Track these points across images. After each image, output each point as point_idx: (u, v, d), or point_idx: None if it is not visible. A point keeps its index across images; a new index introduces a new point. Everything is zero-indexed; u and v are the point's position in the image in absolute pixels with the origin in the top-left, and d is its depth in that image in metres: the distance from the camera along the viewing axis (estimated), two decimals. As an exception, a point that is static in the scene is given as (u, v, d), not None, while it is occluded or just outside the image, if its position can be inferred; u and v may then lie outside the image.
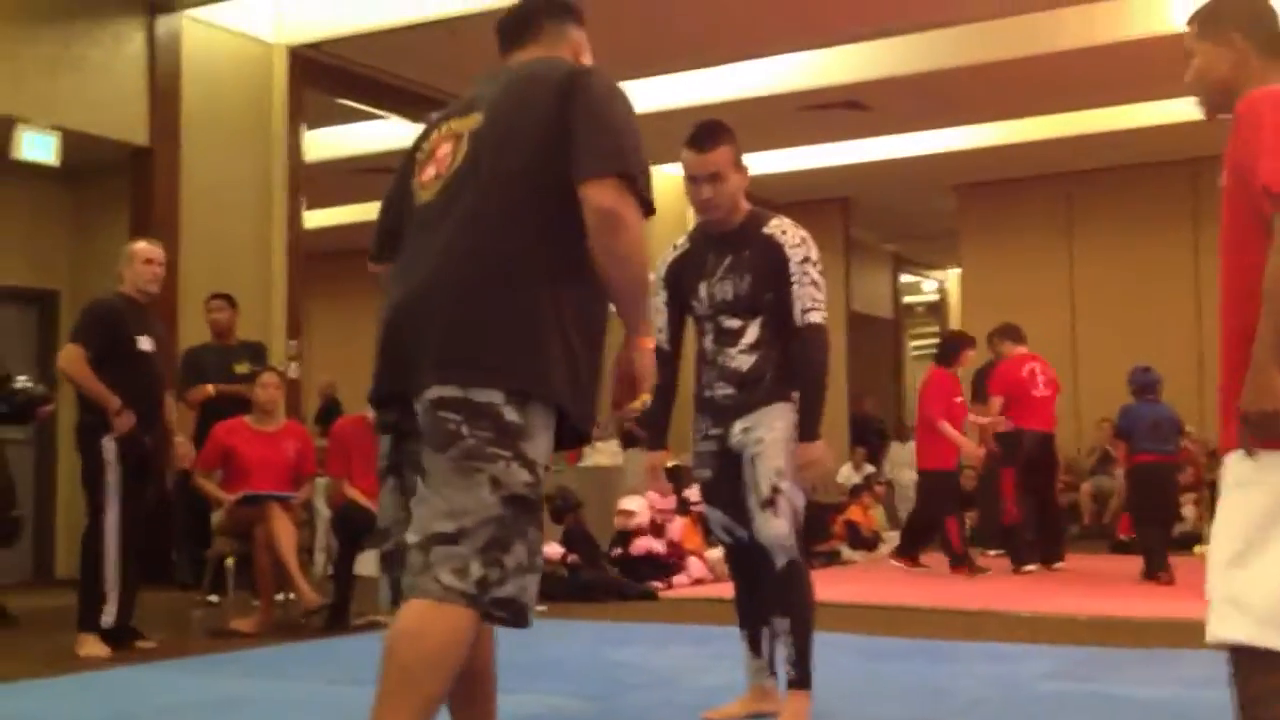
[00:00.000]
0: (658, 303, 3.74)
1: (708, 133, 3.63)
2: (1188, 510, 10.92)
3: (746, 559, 3.67)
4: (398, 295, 2.39)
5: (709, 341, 3.64)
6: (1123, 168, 12.91)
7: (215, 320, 7.49)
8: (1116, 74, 9.92)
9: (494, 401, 2.24)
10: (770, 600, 3.53)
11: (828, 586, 7.75)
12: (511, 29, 2.64)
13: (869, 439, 13.52)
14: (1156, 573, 8.06)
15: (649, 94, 10.31)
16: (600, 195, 2.27)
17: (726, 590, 7.32)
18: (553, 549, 7.58)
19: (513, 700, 3.99)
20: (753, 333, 3.57)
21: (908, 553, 9.04)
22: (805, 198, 14.29)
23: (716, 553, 8.31)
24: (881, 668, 4.78)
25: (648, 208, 2.34)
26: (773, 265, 3.55)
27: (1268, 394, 2.29)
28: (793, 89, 10.31)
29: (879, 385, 15.47)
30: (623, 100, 2.42)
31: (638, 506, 8.01)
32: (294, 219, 9.02)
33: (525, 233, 2.33)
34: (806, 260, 3.55)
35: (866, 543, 10.21)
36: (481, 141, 2.41)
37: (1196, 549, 10.21)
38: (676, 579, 7.80)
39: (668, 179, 12.93)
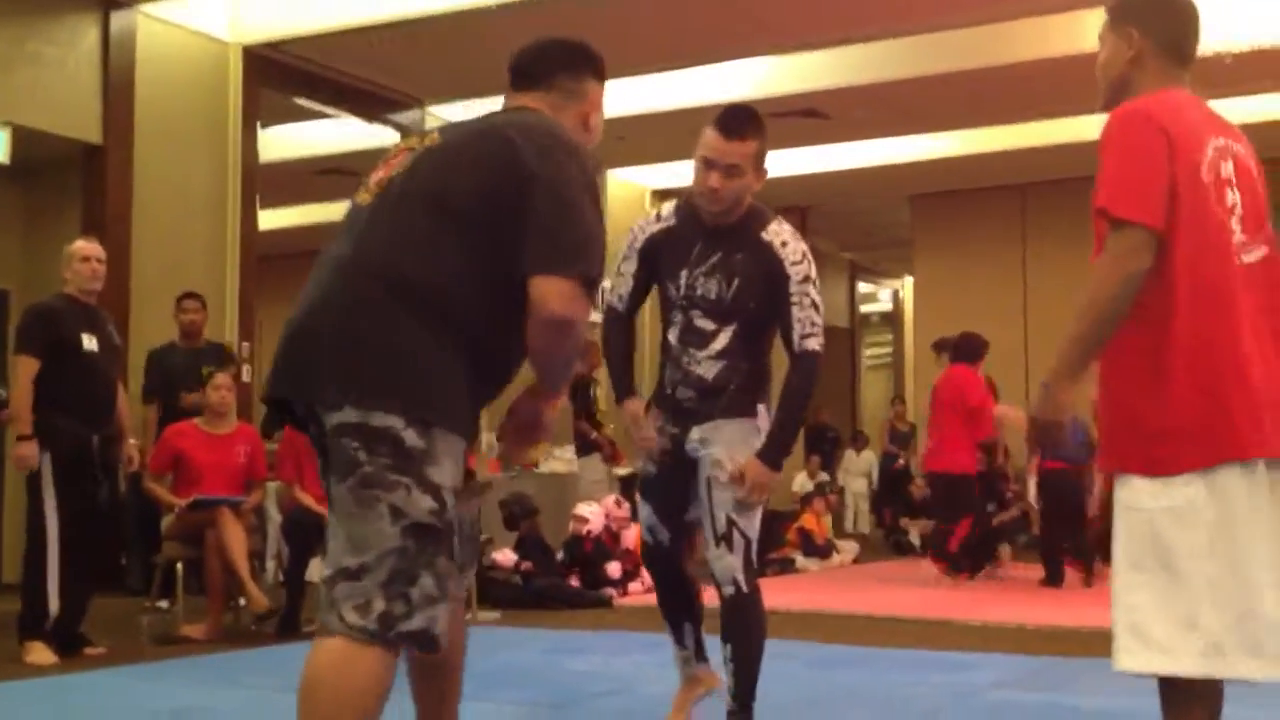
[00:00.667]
0: (625, 270, 3.58)
1: (741, 120, 3.36)
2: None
3: (664, 560, 3.61)
4: (304, 301, 2.29)
5: (675, 335, 3.43)
6: (1077, 179, 12.97)
7: (191, 321, 7.38)
8: (1071, 86, 9.98)
9: (393, 425, 2.14)
10: (722, 626, 3.43)
11: (781, 594, 7.77)
12: (523, 71, 2.56)
13: (822, 447, 13.57)
14: (1055, 581, 8.17)
15: (609, 99, 10.29)
16: (557, 296, 2.19)
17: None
18: (506, 556, 7.54)
19: (470, 709, 3.96)
20: (724, 339, 3.38)
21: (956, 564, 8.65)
22: (764, 205, 14.36)
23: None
24: (834, 676, 4.79)
25: (595, 293, 2.29)
26: (765, 276, 3.35)
27: (1053, 406, 2.37)
28: (751, 96, 10.31)
29: (835, 394, 15.53)
30: (595, 192, 2.33)
31: (591, 513, 7.99)
32: (248, 219, 8.93)
33: (442, 263, 2.23)
34: (807, 280, 3.36)
35: (820, 550, 10.24)
36: (428, 157, 2.34)
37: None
38: (632, 586, 7.79)
39: (623, 186, 12.95)
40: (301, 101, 9.67)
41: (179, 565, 6.00)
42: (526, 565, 7.47)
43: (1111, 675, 4.90)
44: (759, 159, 3.38)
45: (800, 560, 9.85)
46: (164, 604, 6.41)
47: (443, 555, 2.19)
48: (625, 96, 10.25)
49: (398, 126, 10.31)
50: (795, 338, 3.34)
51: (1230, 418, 2.30)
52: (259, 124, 9.06)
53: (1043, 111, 10.98)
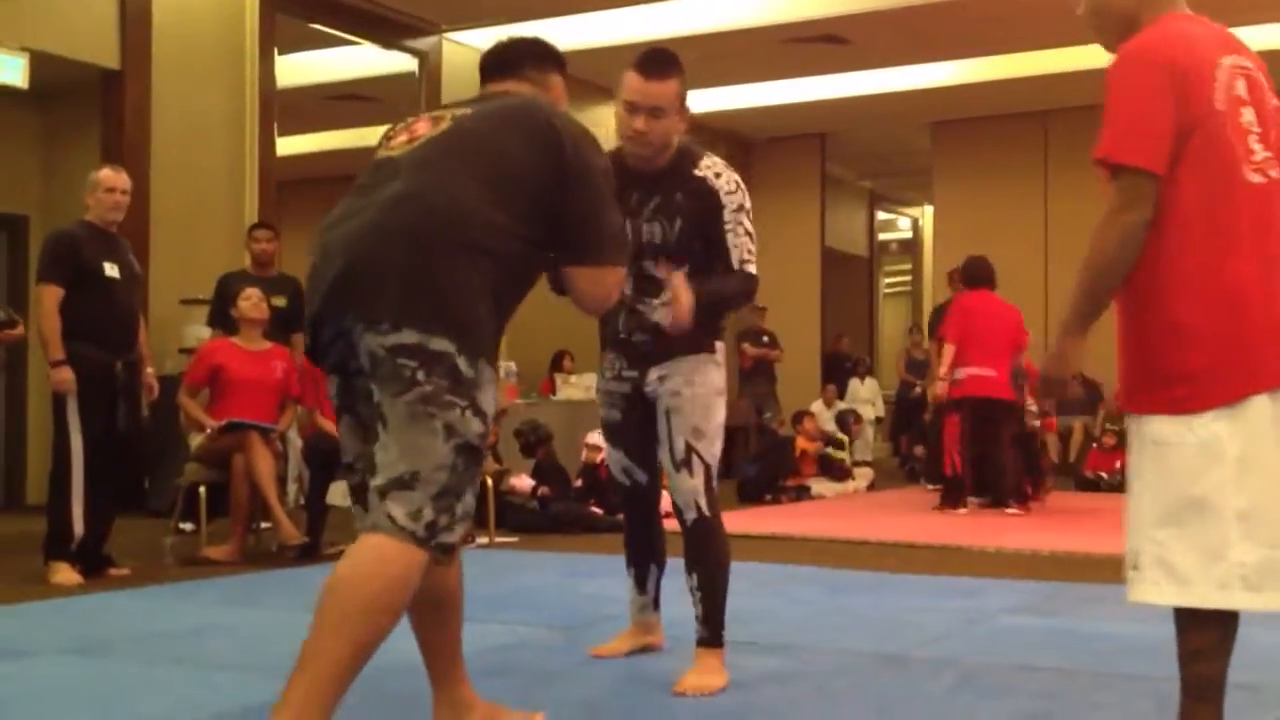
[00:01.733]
0: None
1: (661, 61, 3.30)
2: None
3: (640, 501, 3.64)
4: (352, 227, 2.39)
5: (629, 286, 3.35)
6: (1099, 107, 12.84)
7: (263, 250, 7.28)
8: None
9: (450, 351, 2.30)
10: (686, 554, 3.45)
11: (795, 520, 7.86)
12: (495, 65, 2.77)
13: (840, 376, 13.59)
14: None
15: (624, 25, 10.23)
16: (603, 283, 2.58)
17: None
18: (523, 481, 7.61)
19: (482, 630, 4.05)
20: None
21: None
22: (783, 133, 14.27)
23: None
24: (848, 600, 4.85)
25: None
26: (706, 211, 3.35)
27: (1061, 361, 2.39)
28: (772, 22, 10.23)
29: (853, 322, 15.52)
30: (612, 182, 2.62)
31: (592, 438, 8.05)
32: (266, 145, 8.94)
33: (495, 217, 2.40)
34: (741, 209, 3.37)
35: (838, 473, 10.27)
36: (469, 122, 2.51)
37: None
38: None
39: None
40: (319, 27, 9.62)
41: (202, 489, 6.08)
42: (543, 490, 7.55)
43: (1118, 601, 4.96)
44: (681, 99, 3.35)
45: (816, 486, 9.88)
46: (187, 526, 6.51)
47: (478, 475, 2.39)
48: (643, 23, 10.17)
49: (415, 53, 10.26)
50: (735, 262, 3.37)
51: (1249, 353, 2.30)
52: (276, 50, 9.03)
53: (1066, 38, 10.82)
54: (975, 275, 8.90)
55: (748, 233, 3.38)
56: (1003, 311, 8.71)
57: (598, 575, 5.51)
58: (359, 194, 2.48)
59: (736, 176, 3.43)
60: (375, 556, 2.27)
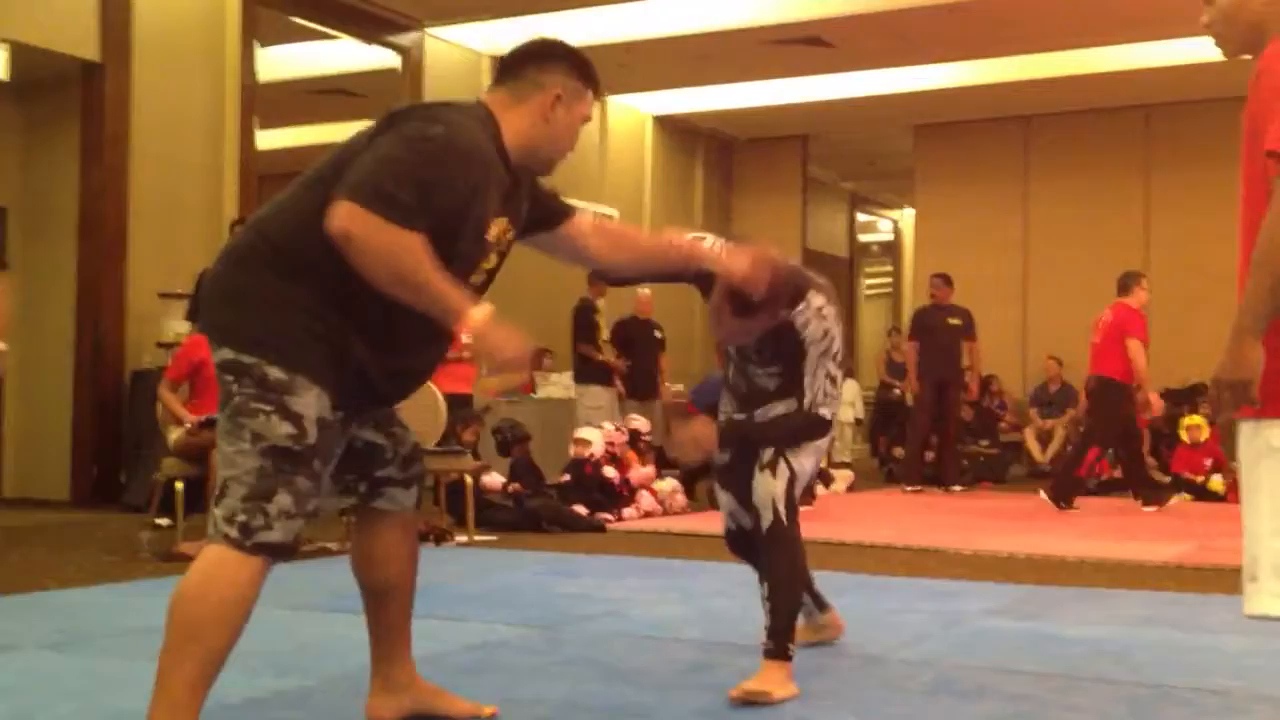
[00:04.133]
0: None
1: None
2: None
3: (746, 544, 3.62)
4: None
5: (737, 366, 3.54)
6: (1080, 112, 12.97)
7: None
8: (1075, 18, 9.94)
9: (258, 362, 2.42)
10: (761, 562, 3.44)
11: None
12: (500, 68, 2.76)
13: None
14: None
15: (610, 24, 10.23)
16: (333, 215, 2.36)
17: (675, 524, 7.41)
18: (494, 480, 7.58)
19: (461, 629, 4.04)
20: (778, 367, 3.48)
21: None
22: (765, 134, 14.30)
23: (667, 485, 8.39)
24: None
25: (402, 216, 2.36)
26: (786, 342, 3.43)
27: (1243, 364, 2.24)
28: (757, 24, 10.24)
29: (831, 323, 15.52)
30: (421, 143, 2.43)
31: (595, 437, 8.05)
32: (246, 139, 8.91)
33: (306, 228, 2.43)
34: (826, 345, 3.40)
35: (821, 477, 10.27)
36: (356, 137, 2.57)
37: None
38: (626, 511, 7.87)
39: (625, 111, 12.88)
40: (300, 21, 9.59)
41: (179, 484, 6.05)
42: (514, 486, 7.53)
43: (1095, 604, 5.00)
44: None
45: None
46: (164, 521, 6.48)
47: (302, 476, 2.42)
48: (628, 22, 10.17)
49: (397, 48, 10.24)
50: (807, 403, 3.49)
51: None
52: (258, 43, 9.00)
53: (1047, 43, 10.91)
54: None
55: (828, 376, 3.38)
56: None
57: (578, 574, 5.52)
58: None
59: (834, 310, 3.40)
60: (207, 567, 2.41)
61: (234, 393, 2.42)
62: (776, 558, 3.38)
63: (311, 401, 2.42)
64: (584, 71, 2.73)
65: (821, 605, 3.90)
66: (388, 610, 2.81)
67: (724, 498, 3.65)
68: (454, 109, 2.58)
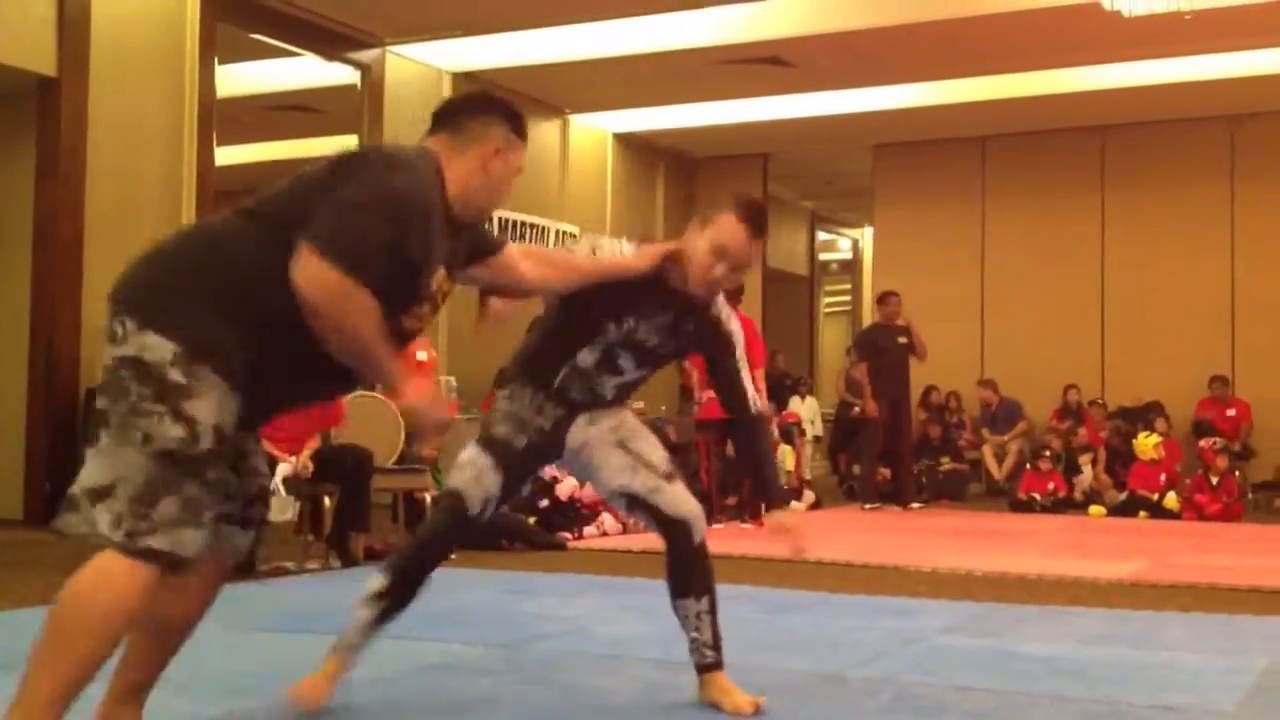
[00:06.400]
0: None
1: (764, 222, 3.35)
2: (1085, 471, 11.22)
3: (468, 529, 3.34)
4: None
5: (590, 358, 3.29)
6: (1036, 133, 13.11)
7: None
8: (1034, 40, 10.05)
9: (159, 361, 2.35)
10: (686, 581, 3.32)
11: (733, 540, 7.87)
12: (436, 116, 2.80)
13: (780, 395, 13.64)
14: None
15: (571, 43, 10.25)
16: (301, 269, 2.37)
17: (635, 542, 7.40)
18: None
19: (418, 648, 4.02)
20: (636, 377, 3.40)
21: None
22: (726, 152, 14.36)
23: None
24: (783, 620, 4.87)
25: (366, 277, 2.39)
26: (711, 344, 3.41)
27: None
28: (718, 43, 10.29)
29: (793, 341, 15.60)
30: (387, 196, 2.46)
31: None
32: (205, 155, 8.84)
33: (258, 263, 2.44)
34: (742, 349, 3.47)
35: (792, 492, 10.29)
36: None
37: (1092, 509, 10.54)
38: (587, 530, 7.85)
39: (585, 131, 12.89)
40: (260, 38, 9.55)
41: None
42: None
43: (1052, 622, 5.03)
44: None
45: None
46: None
47: (194, 482, 2.36)
48: (590, 41, 10.19)
49: (357, 65, 10.21)
50: (749, 400, 3.48)
51: None
52: (216, 59, 8.95)
53: (1004, 65, 11.02)
54: None
55: (750, 373, 3.46)
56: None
57: (536, 594, 5.49)
58: None
59: (735, 324, 3.44)
60: (94, 571, 2.34)
61: (129, 392, 2.35)
62: (709, 573, 3.33)
63: (209, 405, 2.36)
64: (519, 126, 2.82)
65: None
66: (153, 649, 2.68)
67: (493, 479, 3.24)
68: (413, 156, 2.62)
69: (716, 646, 3.33)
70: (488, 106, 2.80)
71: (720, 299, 3.44)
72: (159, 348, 2.35)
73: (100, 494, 2.34)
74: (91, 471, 2.37)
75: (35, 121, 8.12)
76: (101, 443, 2.38)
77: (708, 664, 3.33)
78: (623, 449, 3.31)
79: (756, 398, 3.45)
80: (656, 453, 3.33)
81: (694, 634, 3.32)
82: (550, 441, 3.33)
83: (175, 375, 2.34)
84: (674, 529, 3.28)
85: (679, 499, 3.28)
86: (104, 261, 8.11)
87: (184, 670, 3.78)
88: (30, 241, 8.10)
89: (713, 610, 3.31)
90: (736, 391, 3.41)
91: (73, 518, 2.37)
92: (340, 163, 2.52)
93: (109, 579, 2.33)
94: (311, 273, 2.36)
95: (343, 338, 2.41)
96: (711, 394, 8.76)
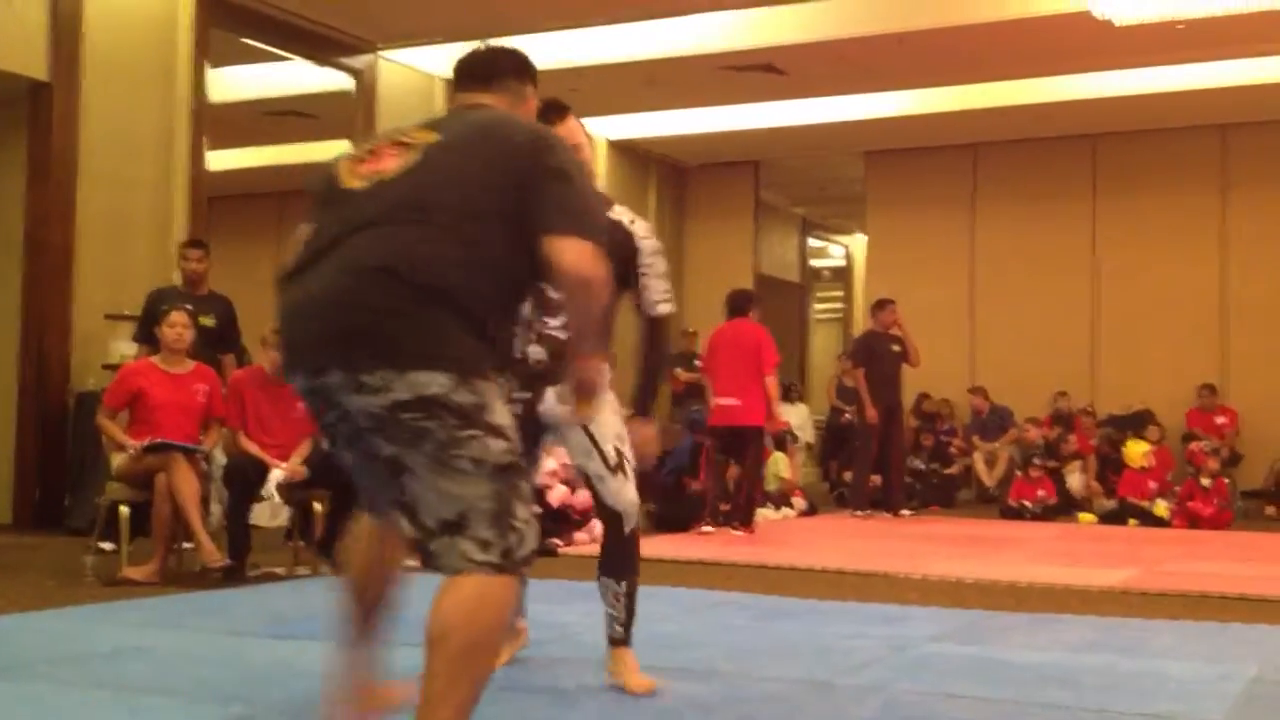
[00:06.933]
0: None
1: (554, 106, 3.55)
2: (1074, 478, 11.24)
3: None
4: (323, 281, 2.36)
5: (528, 307, 3.47)
6: (1026, 140, 13.14)
7: (193, 271, 7.28)
8: (1026, 48, 10.08)
9: (443, 392, 2.31)
10: (611, 563, 3.61)
11: (723, 547, 7.88)
12: (475, 73, 2.76)
13: (772, 400, 13.64)
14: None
15: (565, 48, 10.25)
16: (577, 255, 2.41)
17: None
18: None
19: (407, 655, 4.00)
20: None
21: None
22: (717, 159, 14.38)
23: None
24: (774, 627, 4.87)
25: (600, 242, 2.48)
26: (618, 250, 3.44)
27: None
28: (711, 50, 10.31)
29: (785, 348, 15.54)
30: (584, 171, 2.62)
31: (549, 464, 8.02)
32: (197, 160, 8.84)
33: (459, 256, 2.38)
34: (657, 253, 3.62)
35: (782, 498, 10.29)
36: (439, 154, 2.46)
37: (1082, 516, 10.56)
38: (578, 536, 7.85)
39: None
40: (253, 42, 9.55)
41: (123, 508, 5.98)
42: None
43: (1042, 629, 5.03)
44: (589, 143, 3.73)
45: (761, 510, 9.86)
46: (108, 546, 6.39)
47: (523, 480, 2.42)
48: (583, 47, 10.21)
49: (350, 70, 10.21)
50: (649, 302, 3.62)
51: None
52: (209, 64, 8.94)
53: (996, 73, 11.05)
54: (730, 306, 9.35)
55: (662, 274, 3.62)
56: (743, 339, 8.97)
57: (527, 600, 5.48)
58: (319, 233, 2.44)
59: (647, 224, 3.66)
60: (471, 596, 2.29)
61: (430, 429, 2.30)
62: (633, 559, 3.61)
63: (502, 409, 2.40)
64: (537, 83, 2.85)
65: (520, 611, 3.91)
66: (376, 625, 2.79)
67: None
68: (545, 130, 2.66)
69: (627, 625, 3.64)
70: (524, 65, 2.82)
71: (619, 206, 3.64)
72: (431, 382, 2.31)
73: (451, 528, 2.31)
74: (426, 512, 2.33)
75: (27, 126, 8.12)
76: (413, 489, 2.33)
77: (617, 639, 3.65)
78: (584, 432, 3.53)
79: (666, 304, 3.63)
80: (609, 444, 3.54)
81: (610, 610, 3.64)
82: (527, 418, 3.48)
83: (464, 396, 2.32)
84: (609, 516, 3.58)
85: (618, 491, 3.54)
86: (95, 266, 8.11)
87: (171, 675, 3.78)
88: (21, 246, 8.09)
89: (630, 594, 3.61)
90: (648, 292, 3.60)
91: (430, 561, 2.34)
92: (534, 147, 2.48)
93: (490, 598, 2.30)
94: (579, 252, 2.40)
95: (594, 306, 2.49)
96: (720, 401, 8.84)
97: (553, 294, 3.38)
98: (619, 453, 3.52)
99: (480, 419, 2.33)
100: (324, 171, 2.57)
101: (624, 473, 3.52)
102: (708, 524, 8.78)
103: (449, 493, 2.31)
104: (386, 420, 2.32)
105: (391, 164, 2.46)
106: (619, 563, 3.59)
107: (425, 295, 2.32)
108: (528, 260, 2.44)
